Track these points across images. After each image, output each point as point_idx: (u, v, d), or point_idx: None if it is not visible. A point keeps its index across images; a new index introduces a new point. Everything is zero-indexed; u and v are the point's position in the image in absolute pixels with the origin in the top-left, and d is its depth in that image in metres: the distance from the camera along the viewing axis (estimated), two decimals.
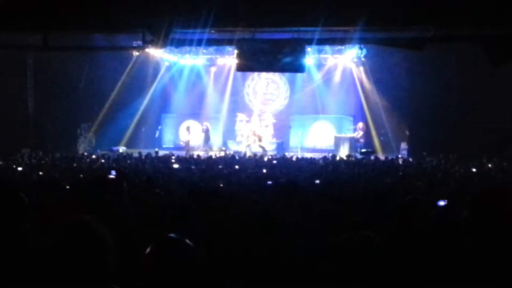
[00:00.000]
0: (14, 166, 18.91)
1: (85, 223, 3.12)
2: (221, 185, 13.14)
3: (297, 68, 15.32)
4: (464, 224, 3.86)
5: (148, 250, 3.24)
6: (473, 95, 25.88)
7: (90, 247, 3.04)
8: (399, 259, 5.06)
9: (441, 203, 8.49)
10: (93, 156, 24.46)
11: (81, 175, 15.66)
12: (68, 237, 3.04)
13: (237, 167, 20.18)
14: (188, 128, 30.61)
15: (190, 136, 30.40)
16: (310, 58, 28.88)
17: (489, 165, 21.50)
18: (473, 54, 19.09)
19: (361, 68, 31.00)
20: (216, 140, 32.22)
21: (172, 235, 3.44)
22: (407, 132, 29.24)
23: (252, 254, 3.30)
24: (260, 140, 29.45)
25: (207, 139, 30.52)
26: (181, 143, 30.90)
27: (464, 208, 4.07)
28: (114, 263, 3.09)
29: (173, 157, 23.65)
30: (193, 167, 19.68)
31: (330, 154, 26.03)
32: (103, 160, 22.34)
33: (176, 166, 19.73)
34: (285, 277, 3.61)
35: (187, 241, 3.33)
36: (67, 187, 9.37)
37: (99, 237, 3.09)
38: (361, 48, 27.74)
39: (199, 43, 14.16)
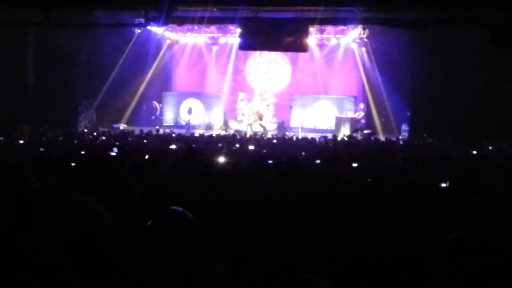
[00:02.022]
0: (15, 143, 18.88)
1: (79, 201, 3.11)
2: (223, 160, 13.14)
3: (300, 47, 15.29)
4: (473, 209, 3.83)
5: (149, 222, 3.26)
6: (475, 78, 25.82)
7: (88, 226, 3.03)
8: (400, 241, 5.07)
9: (443, 185, 8.50)
10: (94, 133, 24.44)
11: (83, 152, 15.64)
12: (63, 216, 3.04)
13: (237, 145, 20.18)
14: (190, 109, 30.70)
15: (191, 116, 30.45)
16: (312, 38, 28.79)
17: (490, 148, 21.49)
18: (476, 36, 19.05)
19: (363, 49, 30.91)
20: (217, 119, 32.23)
21: (172, 207, 3.47)
22: (408, 114, 29.20)
23: (253, 229, 3.30)
24: (261, 119, 29.45)
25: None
26: (182, 122, 30.93)
27: (471, 192, 4.05)
28: (113, 239, 3.09)
29: (173, 135, 23.66)
30: (193, 145, 19.66)
31: (330, 135, 26.03)
32: (103, 137, 22.33)
33: (173, 146, 19.69)
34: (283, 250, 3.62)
35: (187, 213, 3.35)
36: (70, 164, 9.36)
37: (95, 214, 3.09)
38: (363, 29, 27.69)
39: (201, 21, 14.12)
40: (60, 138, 21.88)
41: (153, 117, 32.40)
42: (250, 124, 29.53)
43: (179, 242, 3.21)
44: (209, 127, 30.91)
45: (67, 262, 2.92)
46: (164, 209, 3.41)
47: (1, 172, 3.51)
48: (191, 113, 30.64)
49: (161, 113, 32.72)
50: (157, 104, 32.62)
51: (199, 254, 3.27)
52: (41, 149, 16.77)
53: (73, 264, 2.93)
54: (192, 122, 30.47)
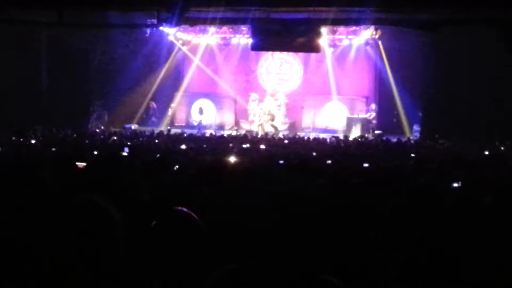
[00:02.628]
0: (27, 143, 18.97)
1: (91, 202, 3.12)
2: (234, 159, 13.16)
3: (312, 48, 15.30)
4: (488, 210, 3.81)
5: (153, 222, 3.26)
6: (487, 79, 25.73)
7: (98, 226, 3.05)
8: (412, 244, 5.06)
9: (455, 185, 8.48)
10: (106, 133, 24.53)
11: (95, 152, 15.71)
12: (75, 216, 3.05)
13: (248, 145, 20.21)
14: (200, 109, 30.80)
15: (203, 116, 30.54)
16: (324, 38, 28.77)
17: (502, 148, 21.43)
18: (489, 37, 18.97)
19: (376, 50, 30.82)
20: (229, 119, 32.30)
21: (177, 207, 3.47)
22: (420, 114, 29.12)
23: (261, 231, 3.31)
24: (272, 119, 29.47)
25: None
26: (194, 122, 30.99)
27: (484, 193, 4.01)
28: (123, 242, 3.10)
29: (185, 135, 23.71)
30: (204, 145, 19.73)
31: (341, 135, 26.04)
32: (115, 137, 22.39)
33: (183, 147, 19.73)
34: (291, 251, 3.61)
35: (192, 213, 3.35)
36: (81, 164, 9.39)
37: (106, 215, 3.11)
38: (376, 29, 27.64)
39: (213, 22, 14.13)
40: (72, 138, 21.97)
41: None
42: (261, 124, 29.55)
43: (184, 242, 3.21)
44: (220, 127, 30.92)
45: (76, 262, 2.94)
46: (168, 209, 3.41)
47: (15, 170, 3.53)
48: (202, 113, 30.71)
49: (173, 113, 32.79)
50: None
51: (207, 255, 3.27)
52: (53, 149, 16.87)
53: (82, 264, 2.94)
54: (204, 122, 30.53)
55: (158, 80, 32.26)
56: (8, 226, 3.09)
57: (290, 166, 10.20)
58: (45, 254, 2.96)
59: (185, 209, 3.40)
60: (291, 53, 32.06)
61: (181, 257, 3.15)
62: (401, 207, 5.27)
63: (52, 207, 3.19)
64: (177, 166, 12.43)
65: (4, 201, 3.15)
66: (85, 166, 9.09)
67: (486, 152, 19.71)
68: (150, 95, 32.27)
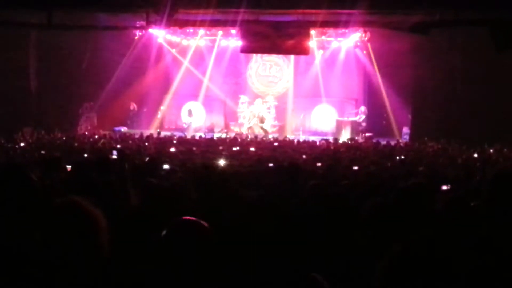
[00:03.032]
0: (17, 146, 18.90)
1: (76, 204, 3.11)
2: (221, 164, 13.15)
3: (301, 50, 15.28)
4: (479, 211, 3.78)
5: (165, 232, 3.21)
6: (477, 80, 25.82)
7: (82, 228, 3.04)
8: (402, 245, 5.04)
9: (444, 187, 8.49)
10: (95, 136, 24.44)
11: (84, 155, 15.66)
12: (60, 218, 3.04)
13: (238, 148, 20.18)
14: (190, 111, 30.71)
15: (192, 118, 30.46)
16: (313, 41, 28.77)
17: (491, 151, 21.49)
18: (479, 39, 19.04)
19: (365, 52, 30.84)
20: (218, 122, 32.29)
21: (187, 217, 3.43)
22: (409, 116, 29.18)
23: (255, 236, 3.29)
24: (262, 122, 29.46)
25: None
26: (184, 125, 30.92)
27: (473, 195, 3.99)
28: (108, 244, 3.08)
29: (175, 138, 23.66)
30: (194, 148, 19.69)
31: (331, 138, 26.07)
32: (104, 140, 22.33)
33: (172, 149, 19.68)
34: (290, 257, 3.60)
35: (203, 222, 3.30)
36: (69, 166, 9.37)
37: (91, 218, 3.09)
38: (365, 32, 27.69)
39: (202, 24, 14.10)
40: (61, 140, 21.89)
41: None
42: (251, 127, 29.55)
43: (195, 252, 3.16)
44: (210, 129, 30.87)
45: (61, 263, 2.93)
46: (178, 219, 3.36)
47: (4, 172, 3.50)
48: (192, 115, 30.62)
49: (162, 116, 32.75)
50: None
51: (215, 263, 3.23)
52: (42, 152, 16.81)
53: (66, 265, 2.93)
54: (193, 125, 30.47)
55: (147, 83, 32.16)
56: None
57: (279, 169, 10.19)
58: (31, 254, 2.95)
59: (194, 219, 3.36)
60: (280, 56, 32.04)
61: (192, 267, 3.12)
62: (382, 208, 5.25)
63: (37, 208, 3.18)
64: (166, 167, 12.41)
65: None
66: (73, 169, 9.06)
67: (475, 155, 19.78)
68: (139, 97, 32.18)
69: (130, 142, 21.74)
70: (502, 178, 3.65)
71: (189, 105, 31.87)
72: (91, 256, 3.01)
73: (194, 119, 30.69)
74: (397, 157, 18.20)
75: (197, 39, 32.16)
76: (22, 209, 3.14)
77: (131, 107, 32.21)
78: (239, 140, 24.29)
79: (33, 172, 4.91)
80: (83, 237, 3.01)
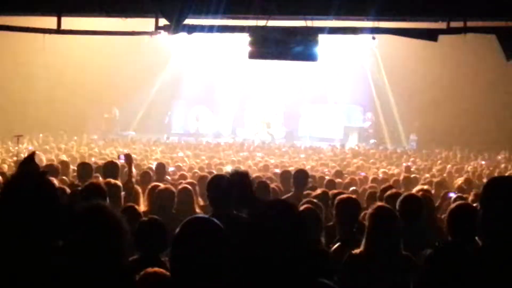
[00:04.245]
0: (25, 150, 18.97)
1: (102, 208, 3.14)
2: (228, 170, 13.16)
3: (309, 57, 15.26)
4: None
5: (178, 230, 3.22)
6: (485, 88, 25.79)
7: (108, 232, 3.08)
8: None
9: (451, 195, 8.48)
10: (104, 140, 24.53)
11: (92, 159, 15.72)
12: (87, 222, 3.07)
13: (245, 153, 20.23)
14: (197, 117, 30.80)
15: (200, 123, 30.54)
16: (321, 47, 28.71)
17: (499, 157, 21.48)
18: (488, 46, 19.00)
19: (373, 58, 30.81)
20: (226, 126, 32.34)
21: (200, 215, 3.44)
22: (416, 123, 29.14)
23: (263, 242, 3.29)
24: (269, 127, 29.49)
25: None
26: (191, 130, 31.01)
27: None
28: (129, 247, 3.11)
29: (182, 143, 23.73)
30: (202, 153, 19.75)
31: (338, 144, 26.10)
32: (112, 146, 22.42)
33: (180, 154, 19.74)
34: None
35: (215, 220, 3.30)
36: (78, 171, 9.41)
37: (116, 222, 3.13)
38: (373, 38, 27.65)
39: (211, 29, 14.12)
40: (69, 146, 21.96)
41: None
42: (258, 132, 29.58)
43: (207, 248, 3.16)
44: (217, 135, 30.92)
45: (84, 268, 2.96)
46: (191, 217, 3.37)
47: (25, 176, 3.51)
48: (199, 120, 30.68)
49: (170, 121, 32.78)
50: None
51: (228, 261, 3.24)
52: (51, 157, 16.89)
53: (90, 270, 2.96)
54: (201, 130, 30.53)
55: (155, 87, 32.19)
56: (18, 229, 3.10)
57: (286, 175, 10.19)
58: (54, 259, 2.98)
59: (206, 216, 3.38)
60: (288, 61, 32.03)
61: (207, 264, 3.13)
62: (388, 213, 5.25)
63: (59, 213, 3.20)
64: (172, 171, 12.45)
65: (14, 205, 3.15)
66: (82, 174, 9.10)
67: (483, 162, 19.77)
68: (147, 102, 32.17)
69: (138, 146, 21.80)
70: (493, 184, 3.64)
71: (196, 109, 31.94)
72: (115, 259, 3.04)
73: (202, 124, 30.74)
74: (404, 164, 18.22)
75: (206, 44, 32.17)
76: (44, 215, 3.15)
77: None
78: (246, 145, 24.33)
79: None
80: (107, 241, 3.04)
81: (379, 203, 5.62)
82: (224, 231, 3.24)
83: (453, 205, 5.61)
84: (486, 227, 3.46)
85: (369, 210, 5.18)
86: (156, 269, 3.82)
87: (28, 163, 5.13)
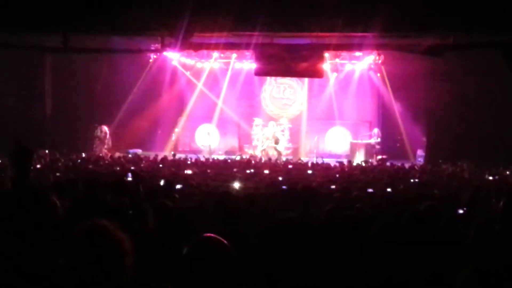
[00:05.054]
0: (32, 168, 18.96)
1: (103, 228, 3.13)
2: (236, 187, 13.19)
3: (315, 73, 15.33)
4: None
5: (186, 249, 3.23)
6: (491, 103, 25.77)
7: (109, 252, 3.05)
8: (416, 267, 5.04)
9: (460, 211, 8.45)
10: (109, 158, 24.54)
11: (99, 177, 15.70)
12: (87, 242, 3.06)
13: (252, 170, 20.20)
14: (208, 133, 30.97)
15: (211, 139, 30.65)
16: (327, 63, 28.81)
17: (507, 172, 21.41)
18: (493, 61, 19.03)
19: (378, 74, 30.87)
20: (232, 144, 32.41)
21: (208, 234, 3.45)
22: (424, 139, 29.12)
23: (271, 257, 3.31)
24: (276, 143, 29.50)
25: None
26: (202, 146, 31.08)
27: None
28: (132, 268, 3.09)
29: (188, 161, 23.71)
30: (209, 170, 19.73)
31: (345, 160, 26.05)
32: (119, 162, 22.40)
33: (188, 172, 19.71)
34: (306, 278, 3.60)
35: (223, 240, 3.32)
36: (85, 189, 9.41)
37: (118, 242, 3.11)
38: (378, 54, 27.70)
39: (217, 47, 14.18)
40: (76, 163, 21.98)
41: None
42: (265, 149, 29.60)
43: (216, 268, 3.17)
44: (227, 152, 30.99)
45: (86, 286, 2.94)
46: (199, 237, 3.38)
47: (27, 195, 3.53)
48: (210, 136, 30.89)
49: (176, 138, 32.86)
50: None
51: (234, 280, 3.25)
52: (58, 174, 16.89)
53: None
54: (212, 147, 30.66)
55: (161, 105, 32.29)
56: (17, 247, 3.10)
57: (294, 192, 10.19)
58: (54, 279, 2.97)
59: (213, 235, 3.38)
60: (294, 78, 32.13)
61: (213, 283, 3.13)
62: (391, 230, 5.24)
63: (61, 232, 3.20)
64: (179, 187, 12.44)
65: (14, 222, 3.16)
66: (89, 192, 9.10)
67: (490, 178, 19.69)
68: (154, 120, 32.24)
69: (143, 164, 21.79)
70: None
71: (205, 127, 32.08)
72: (116, 281, 3.02)
73: (212, 141, 30.85)
74: (411, 180, 18.15)
75: (212, 61, 32.32)
76: (45, 233, 3.16)
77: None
78: (253, 162, 24.31)
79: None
80: (109, 261, 3.02)
81: None
82: (231, 249, 3.25)
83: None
84: None
85: None
86: None
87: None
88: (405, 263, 5.01)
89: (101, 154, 27.43)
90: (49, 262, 3.03)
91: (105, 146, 30.51)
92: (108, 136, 30.82)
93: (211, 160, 25.12)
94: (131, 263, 3.07)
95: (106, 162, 22.76)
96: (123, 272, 3.04)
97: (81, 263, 2.95)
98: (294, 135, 32.43)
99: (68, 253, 3.00)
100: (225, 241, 3.28)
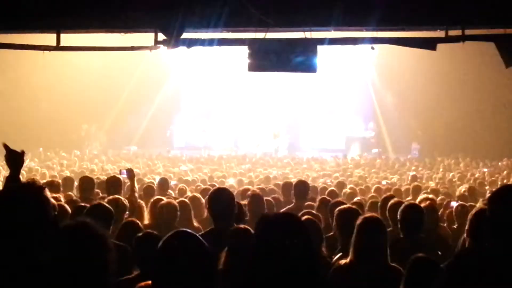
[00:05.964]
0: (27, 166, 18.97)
1: (86, 225, 3.16)
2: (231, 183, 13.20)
3: (309, 68, 15.25)
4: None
5: (160, 244, 3.25)
6: (485, 96, 25.81)
7: (93, 249, 3.09)
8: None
9: (453, 203, 8.46)
10: (105, 156, 24.55)
11: (94, 175, 15.73)
12: (71, 239, 3.10)
13: (247, 166, 20.25)
14: (204, 129, 30.92)
15: (207, 136, 30.64)
16: (321, 58, 28.72)
17: (500, 164, 21.50)
18: (487, 54, 19.04)
19: (373, 68, 30.84)
20: (228, 139, 32.39)
21: (182, 229, 3.47)
22: (419, 132, 29.14)
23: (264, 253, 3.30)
24: (276, 138, 29.52)
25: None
26: (199, 143, 31.10)
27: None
28: (114, 264, 3.13)
29: (183, 158, 23.75)
30: (203, 166, 19.78)
31: (340, 155, 26.10)
32: (113, 159, 22.43)
33: (184, 168, 19.73)
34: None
35: (198, 235, 3.34)
36: (80, 185, 9.41)
37: (101, 239, 3.15)
38: (373, 48, 27.67)
39: (211, 43, 14.14)
40: (71, 161, 21.99)
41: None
42: (260, 144, 29.60)
43: (193, 264, 3.18)
44: (221, 147, 30.97)
45: (70, 283, 2.97)
46: (174, 232, 3.39)
47: (24, 190, 3.52)
48: (206, 132, 30.85)
49: (172, 135, 32.81)
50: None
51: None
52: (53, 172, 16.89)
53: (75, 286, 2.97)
54: (209, 143, 30.65)
55: (156, 101, 32.22)
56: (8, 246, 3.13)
57: (288, 186, 10.21)
58: (40, 275, 3.00)
59: (189, 231, 3.40)
60: (289, 73, 32.08)
61: (192, 279, 3.14)
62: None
63: (50, 228, 3.23)
64: (174, 186, 12.45)
65: (5, 221, 3.18)
66: (83, 190, 9.10)
67: (485, 170, 19.77)
68: (149, 117, 32.19)
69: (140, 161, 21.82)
70: (498, 194, 3.63)
71: (201, 123, 32.05)
72: (99, 277, 3.06)
73: (209, 137, 30.85)
74: (410, 173, 18.22)
75: (206, 58, 32.23)
76: (36, 228, 3.19)
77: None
78: (248, 157, 24.35)
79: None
80: (91, 258, 3.05)
81: (367, 214, 5.61)
82: (206, 246, 3.26)
83: (476, 209, 5.49)
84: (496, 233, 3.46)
85: (357, 221, 5.16)
86: (148, 282, 3.86)
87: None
88: None
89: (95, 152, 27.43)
90: (38, 258, 3.05)
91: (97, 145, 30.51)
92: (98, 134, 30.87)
93: (206, 156, 25.14)
94: (113, 260, 3.11)
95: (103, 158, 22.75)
96: (105, 269, 3.07)
97: (66, 259, 2.99)
98: (289, 129, 32.35)
99: (54, 249, 3.04)
100: (200, 237, 3.31)
